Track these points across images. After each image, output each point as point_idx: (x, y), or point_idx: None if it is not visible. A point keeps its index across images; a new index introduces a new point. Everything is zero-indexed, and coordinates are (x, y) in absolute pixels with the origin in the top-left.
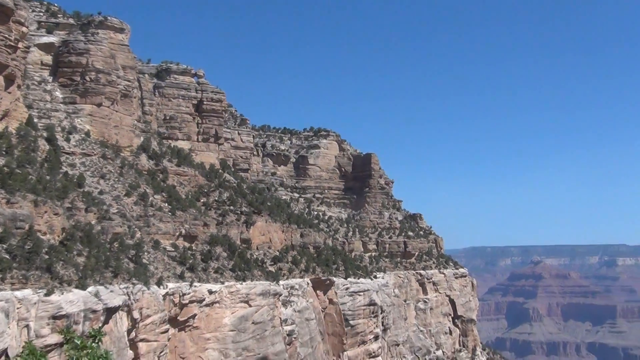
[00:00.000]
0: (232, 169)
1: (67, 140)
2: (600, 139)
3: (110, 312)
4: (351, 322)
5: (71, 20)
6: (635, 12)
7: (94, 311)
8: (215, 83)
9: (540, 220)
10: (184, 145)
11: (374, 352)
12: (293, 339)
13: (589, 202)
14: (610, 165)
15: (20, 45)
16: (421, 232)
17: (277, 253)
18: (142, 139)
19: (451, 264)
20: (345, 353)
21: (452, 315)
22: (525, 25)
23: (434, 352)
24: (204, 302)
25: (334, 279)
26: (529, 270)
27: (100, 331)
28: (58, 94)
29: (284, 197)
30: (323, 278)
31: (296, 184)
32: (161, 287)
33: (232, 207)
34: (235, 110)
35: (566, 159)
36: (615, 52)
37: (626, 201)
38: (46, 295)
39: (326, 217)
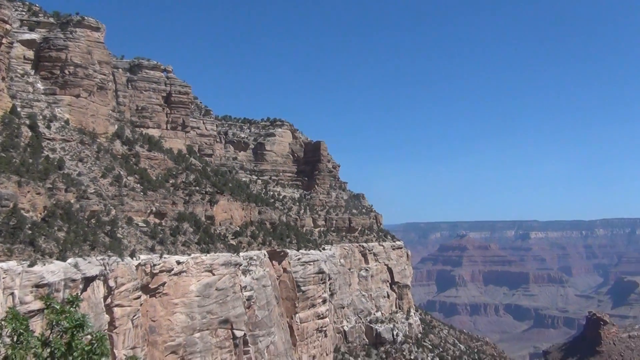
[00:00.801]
0: (198, 154)
1: (48, 127)
2: (513, 127)
3: (88, 281)
4: (302, 288)
5: (51, 20)
6: None
7: (73, 280)
8: (182, 77)
9: (465, 199)
10: (154, 132)
11: (322, 314)
12: (252, 303)
13: (506, 183)
14: (523, 149)
15: (4, 41)
16: (363, 210)
17: (238, 228)
18: (116, 127)
19: (389, 237)
20: (297, 315)
21: (390, 282)
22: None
23: (374, 314)
24: (173, 272)
25: (288, 250)
26: (455, 242)
27: (78, 297)
28: (39, 85)
29: (243, 179)
30: (278, 250)
31: (254, 168)
32: (134, 258)
33: (197, 188)
34: (201, 102)
35: (487, 144)
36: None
37: (538, 182)
38: (29, 266)
39: (281, 197)
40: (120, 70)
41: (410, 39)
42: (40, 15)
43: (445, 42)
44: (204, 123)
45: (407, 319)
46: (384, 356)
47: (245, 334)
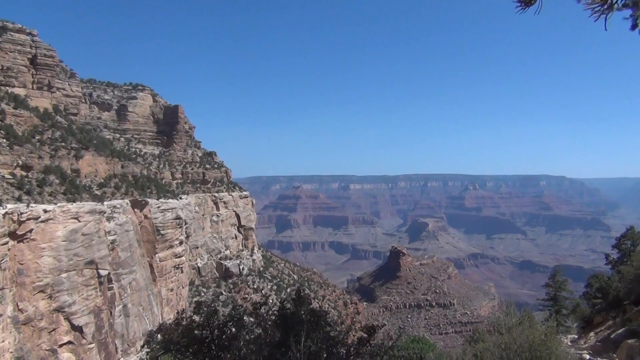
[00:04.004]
0: (64, 113)
1: None
2: (338, 98)
3: None
4: (162, 232)
5: None
6: None
7: None
8: (49, 42)
9: (300, 157)
10: (20, 92)
11: (179, 254)
12: (115, 245)
13: (332, 144)
14: (346, 116)
15: None
16: (215, 165)
17: (102, 180)
18: None
19: (237, 188)
20: (157, 255)
21: (237, 225)
22: None
23: (224, 252)
24: (40, 219)
25: (149, 200)
26: (291, 192)
27: None
28: None
29: (107, 137)
30: (140, 199)
31: (118, 127)
32: (1, 207)
33: (63, 144)
34: (66, 65)
35: (318, 111)
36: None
37: (357, 144)
38: None
39: (142, 153)
40: None
41: (253, 16)
42: None
43: (291, 20)
44: (69, 85)
45: (251, 255)
46: (232, 286)
47: (109, 272)
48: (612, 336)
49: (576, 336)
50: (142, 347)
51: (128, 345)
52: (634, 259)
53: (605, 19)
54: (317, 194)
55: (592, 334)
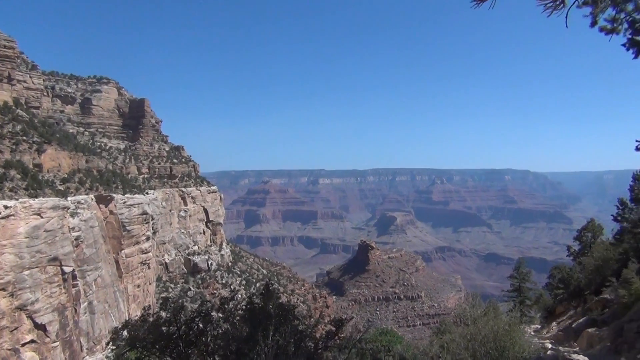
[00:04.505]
0: (25, 107)
1: None
2: (305, 93)
3: None
4: (128, 227)
5: None
6: None
7: None
8: (8, 32)
9: (269, 152)
10: None
11: (145, 249)
12: (80, 242)
13: (301, 139)
14: (314, 111)
15: None
16: (183, 160)
17: (66, 175)
18: None
19: (205, 183)
20: (123, 251)
21: (206, 220)
22: None
23: (192, 247)
24: (0, 215)
25: (114, 195)
26: (260, 187)
27: None
28: None
29: (71, 131)
30: (105, 194)
31: (82, 121)
32: None
33: (24, 138)
34: (27, 57)
35: (287, 106)
36: None
37: (325, 139)
38: None
39: (107, 147)
40: None
41: (220, 6)
42: None
43: (258, 13)
44: (30, 77)
45: (219, 251)
46: (200, 282)
47: (73, 269)
48: (573, 325)
49: (539, 326)
50: (107, 344)
51: (94, 343)
52: (594, 251)
53: (566, 16)
54: (286, 188)
55: (554, 323)
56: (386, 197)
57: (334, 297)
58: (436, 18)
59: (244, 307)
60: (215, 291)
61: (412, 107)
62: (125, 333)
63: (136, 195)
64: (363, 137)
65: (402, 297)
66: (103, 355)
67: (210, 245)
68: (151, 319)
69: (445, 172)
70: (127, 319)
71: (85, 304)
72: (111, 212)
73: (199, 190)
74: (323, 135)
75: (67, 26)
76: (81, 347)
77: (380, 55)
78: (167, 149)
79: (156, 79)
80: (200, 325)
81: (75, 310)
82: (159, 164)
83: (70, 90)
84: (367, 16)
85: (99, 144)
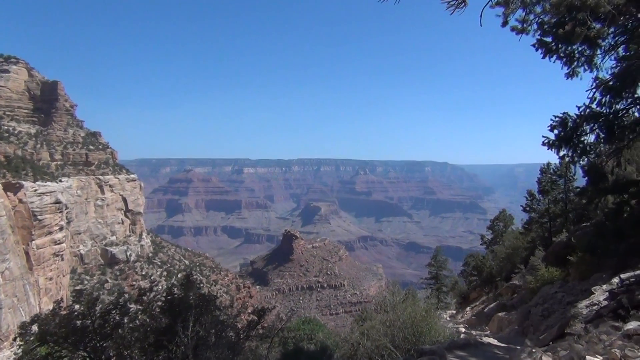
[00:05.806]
0: None
1: None
2: (230, 82)
3: None
4: (39, 217)
5: None
6: None
7: None
8: None
9: (191, 139)
10: None
11: (58, 240)
12: None
13: (225, 127)
14: (238, 100)
15: None
16: (100, 146)
17: None
18: None
19: (124, 171)
20: (33, 242)
21: (125, 210)
22: None
23: (110, 238)
24: None
25: (24, 182)
26: (183, 176)
27: None
28: None
29: None
30: (13, 182)
31: None
32: None
33: None
34: None
35: (211, 95)
36: None
37: (250, 128)
38: None
39: (16, 132)
40: None
41: None
42: None
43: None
44: None
45: (139, 241)
46: (118, 274)
47: None
48: (485, 310)
49: (454, 311)
50: (15, 339)
51: (1, 339)
52: (505, 240)
53: (480, 16)
54: (210, 177)
55: (468, 308)
56: (311, 187)
57: (257, 287)
58: (358, 15)
59: (163, 298)
60: (134, 283)
61: (337, 99)
62: (34, 328)
63: (48, 183)
64: (288, 127)
65: (325, 286)
66: (11, 352)
67: (130, 236)
68: (63, 312)
69: (369, 163)
70: (38, 313)
71: None
72: (20, 201)
73: (118, 178)
74: (248, 125)
75: None
76: None
77: (306, 49)
78: (82, 134)
79: (70, 61)
80: (117, 318)
81: None
82: (74, 150)
83: None
84: (292, 11)
85: (6, 127)
